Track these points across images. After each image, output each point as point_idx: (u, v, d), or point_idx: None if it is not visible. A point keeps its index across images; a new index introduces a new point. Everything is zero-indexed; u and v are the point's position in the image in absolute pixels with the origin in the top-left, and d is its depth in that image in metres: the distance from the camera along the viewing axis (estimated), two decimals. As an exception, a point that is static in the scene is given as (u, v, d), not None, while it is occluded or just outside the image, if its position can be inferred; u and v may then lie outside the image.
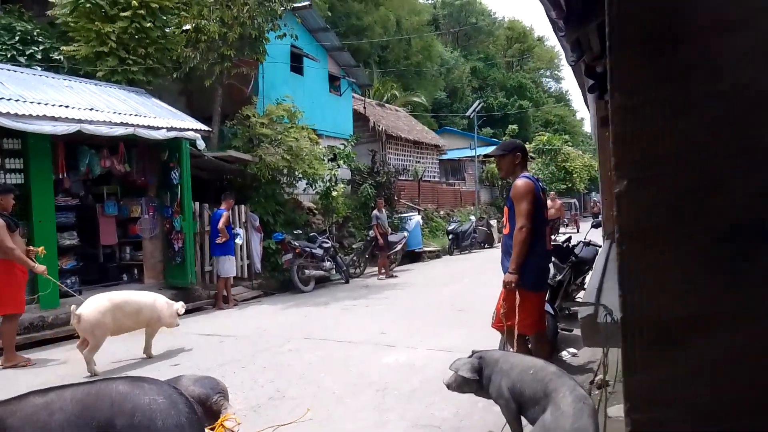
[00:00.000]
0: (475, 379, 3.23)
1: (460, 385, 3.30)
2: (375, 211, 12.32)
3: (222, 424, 3.50)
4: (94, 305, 5.25)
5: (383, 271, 11.97)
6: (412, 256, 14.89)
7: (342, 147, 13.91)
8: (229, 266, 9.19)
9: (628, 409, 0.86)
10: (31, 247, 6.11)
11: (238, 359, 5.57)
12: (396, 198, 16.32)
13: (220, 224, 9.04)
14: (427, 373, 4.70)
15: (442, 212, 20.40)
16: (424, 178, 20.22)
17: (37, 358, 5.93)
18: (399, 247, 13.19)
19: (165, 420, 2.20)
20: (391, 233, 13.41)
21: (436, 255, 16.00)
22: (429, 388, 4.29)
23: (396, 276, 11.82)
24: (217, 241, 9.15)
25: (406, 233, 14.04)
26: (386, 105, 23.39)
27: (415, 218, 15.44)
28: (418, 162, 20.93)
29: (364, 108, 18.65)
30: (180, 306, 5.94)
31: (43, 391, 2.39)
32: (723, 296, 0.80)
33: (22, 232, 6.37)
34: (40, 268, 5.88)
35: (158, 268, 9.29)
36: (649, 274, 0.83)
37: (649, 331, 0.83)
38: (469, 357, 3.32)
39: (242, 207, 10.49)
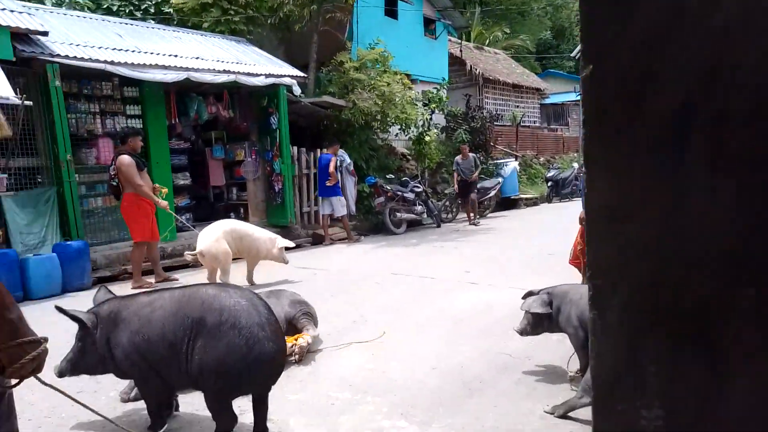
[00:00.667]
0: (548, 313, 3.27)
1: (533, 325, 3.35)
2: (457, 158, 11.95)
3: (296, 338, 3.84)
4: (209, 237, 5.84)
5: (470, 217, 11.81)
6: (508, 203, 14.66)
7: (435, 91, 13.73)
8: (341, 205, 9.66)
9: (590, 276, 0.92)
10: (157, 185, 6.77)
11: (328, 290, 5.95)
12: (492, 144, 15.96)
13: (331, 168, 9.46)
14: (504, 311, 4.75)
15: (541, 159, 19.67)
16: (522, 123, 19.52)
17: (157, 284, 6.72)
18: (492, 193, 13.02)
19: (248, 319, 2.50)
20: (485, 179, 13.25)
21: (533, 202, 15.61)
22: (505, 324, 4.36)
23: (478, 224, 11.53)
24: (327, 184, 9.60)
25: (500, 179, 13.79)
26: (484, 48, 22.55)
27: (512, 164, 15.06)
28: (517, 107, 20.18)
29: (461, 51, 18.15)
30: (285, 242, 6.33)
31: (149, 292, 2.80)
32: (660, 174, 0.84)
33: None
34: (163, 203, 6.54)
35: (261, 208, 9.98)
36: (606, 153, 0.89)
37: (603, 208, 0.89)
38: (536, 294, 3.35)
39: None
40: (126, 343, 2.61)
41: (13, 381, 1.37)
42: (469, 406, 3.04)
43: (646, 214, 0.87)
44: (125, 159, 6.27)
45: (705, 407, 0.85)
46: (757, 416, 0.82)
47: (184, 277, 6.86)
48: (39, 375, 1.52)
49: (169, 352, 2.54)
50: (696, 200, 0.84)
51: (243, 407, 2.87)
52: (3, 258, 5.93)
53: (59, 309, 2.60)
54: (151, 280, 6.76)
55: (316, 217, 10.57)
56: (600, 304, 0.93)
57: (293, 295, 4.34)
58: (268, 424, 2.74)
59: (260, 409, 2.66)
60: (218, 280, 5.82)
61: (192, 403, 3.07)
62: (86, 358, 2.69)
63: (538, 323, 3.35)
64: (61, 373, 2.73)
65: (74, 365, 2.74)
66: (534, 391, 3.19)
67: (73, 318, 2.62)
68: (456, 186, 11.81)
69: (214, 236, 5.82)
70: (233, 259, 6.14)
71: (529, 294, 3.44)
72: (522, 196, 15.49)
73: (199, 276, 6.50)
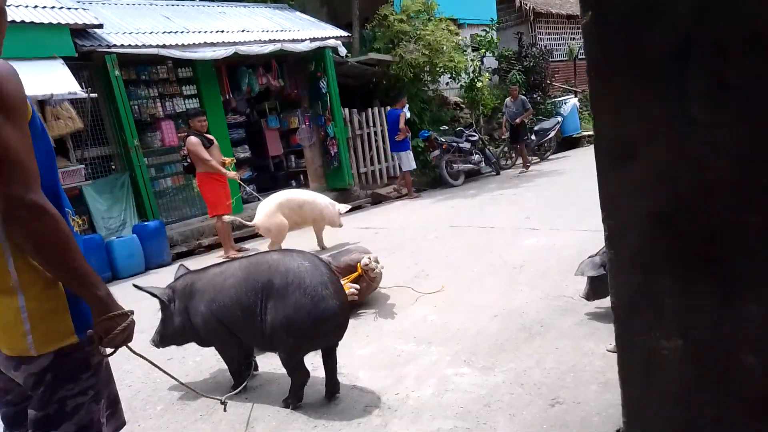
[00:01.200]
0: (603, 274, 3.21)
1: (593, 289, 3.30)
2: (507, 100, 11.43)
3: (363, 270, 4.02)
4: (262, 211, 6.06)
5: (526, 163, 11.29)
6: (570, 143, 14.14)
7: (484, 33, 13.25)
8: (408, 160, 9.72)
9: (604, 216, 0.93)
10: (225, 158, 7.02)
11: (389, 247, 6.09)
12: (549, 82, 15.32)
13: (401, 123, 9.51)
14: (565, 253, 4.71)
15: (603, 93, 18.64)
16: (581, 57, 18.52)
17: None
18: (552, 134, 12.59)
19: (312, 278, 2.66)
20: (543, 120, 12.81)
21: (596, 139, 14.95)
22: (565, 266, 4.33)
23: (529, 169, 10.97)
24: (396, 139, 9.67)
25: (560, 118, 13.28)
26: (535, -20, 21.31)
27: (572, 101, 14.43)
28: (573, 39, 19.11)
29: (509, -13, 17.27)
30: (342, 207, 6.46)
31: (219, 264, 3.02)
32: (663, 111, 0.83)
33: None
34: (232, 173, 6.78)
35: (319, 173, 10.20)
36: (611, 94, 0.88)
37: (610, 147, 0.89)
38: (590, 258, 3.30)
39: (386, 109, 10.79)
40: (204, 311, 2.86)
41: (109, 350, 1.55)
42: (530, 349, 3.10)
43: (653, 149, 0.88)
44: (192, 139, 6.56)
45: (719, 332, 0.87)
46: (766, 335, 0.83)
47: (256, 246, 7.20)
48: (130, 344, 1.69)
49: (243, 315, 2.76)
50: (699, 132, 0.84)
51: (315, 364, 3.07)
52: (91, 242, 6.46)
53: (137, 287, 2.88)
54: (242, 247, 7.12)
55: (374, 177, 10.69)
56: (614, 242, 0.95)
57: (357, 247, 4.52)
58: (339, 378, 2.93)
59: (330, 364, 2.85)
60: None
61: (271, 363, 3.31)
62: (169, 329, 2.99)
63: (598, 285, 3.30)
64: (155, 344, 3.07)
65: (162, 337, 3.07)
66: (596, 331, 3.20)
67: (150, 293, 2.90)
68: (502, 130, 11.41)
69: (267, 209, 6.00)
70: (298, 229, 6.39)
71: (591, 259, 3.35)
72: (584, 133, 14.86)
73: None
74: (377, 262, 4.13)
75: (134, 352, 1.79)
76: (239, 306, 2.77)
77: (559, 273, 4.26)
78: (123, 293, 3.52)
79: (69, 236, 1.35)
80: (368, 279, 4.02)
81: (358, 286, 3.98)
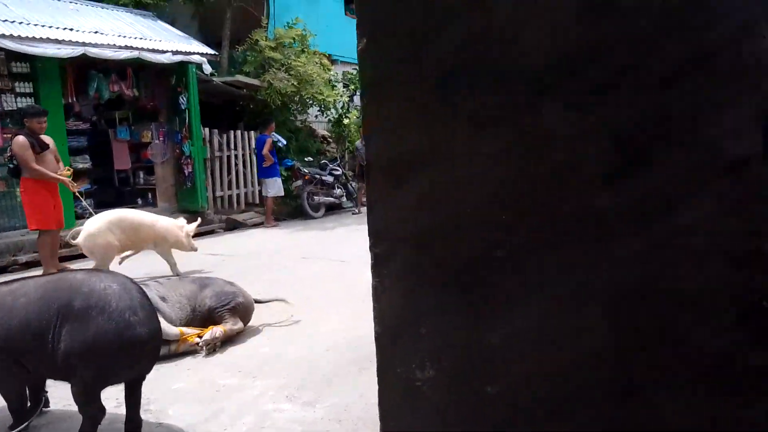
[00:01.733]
0: None
1: None
2: (357, 142, 11.18)
3: (203, 332, 3.68)
4: (88, 230, 5.40)
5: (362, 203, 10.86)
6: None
7: (354, 72, 13.64)
8: (272, 187, 9.70)
9: (371, 244, 0.92)
10: (62, 166, 6.21)
11: (234, 275, 5.75)
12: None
13: (265, 150, 9.50)
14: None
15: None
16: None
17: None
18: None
19: (119, 302, 2.38)
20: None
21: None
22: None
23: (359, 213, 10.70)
24: (264, 165, 9.67)
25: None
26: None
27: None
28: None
29: (384, 33, 18.14)
30: (191, 226, 5.99)
31: (10, 281, 2.61)
32: (438, 135, 0.86)
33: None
34: (66, 179, 5.96)
35: (170, 192, 9.56)
36: (382, 119, 0.89)
37: (383, 171, 0.89)
38: None
39: (251, 133, 10.56)
40: (-21, 337, 2.42)
41: None
42: (357, 383, 3.06)
43: (417, 176, 0.89)
44: (18, 140, 5.75)
45: (467, 362, 0.88)
46: (508, 357, 0.86)
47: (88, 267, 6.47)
48: None
49: (34, 340, 2.38)
50: (458, 164, 0.86)
51: (120, 399, 2.74)
52: None
53: None
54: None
55: (230, 202, 10.30)
56: (379, 269, 0.93)
57: (224, 285, 4.12)
58: (146, 414, 2.65)
59: (132, 398, 2.56)
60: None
61: (65, 398, 2.89)
62: None
63: None
64: None
65: None
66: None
67: None
68: (358, 170, 10.93)
69: (93, 228, 5.40)
70: (136, 252, 5.88)
71: None
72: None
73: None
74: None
75: None
76: (29, 331, 2.39)
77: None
78: None
79: None
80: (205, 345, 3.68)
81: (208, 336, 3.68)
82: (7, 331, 2.41)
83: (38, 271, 6.22)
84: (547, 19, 0.83)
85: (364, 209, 11.05)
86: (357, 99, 14.56)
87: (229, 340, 3.80)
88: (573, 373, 0.86)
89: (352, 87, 13.44)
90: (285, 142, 10.36)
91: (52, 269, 5.98)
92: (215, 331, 3.70)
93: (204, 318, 3.84)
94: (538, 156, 0.85)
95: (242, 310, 4.02)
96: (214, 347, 3.65)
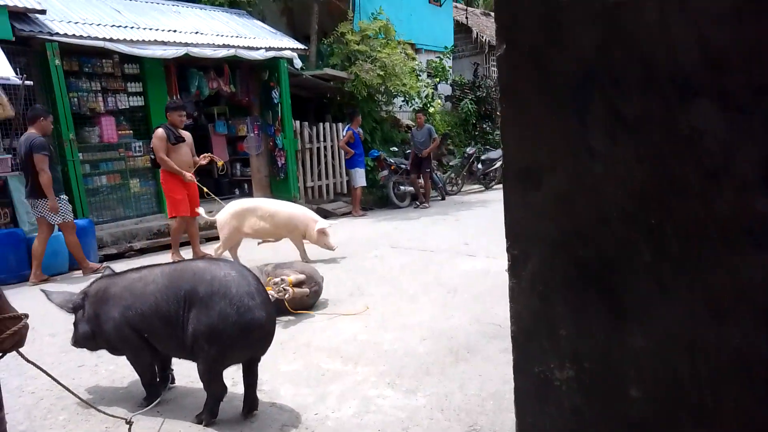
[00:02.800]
0: None
1: None
2: (413, 129, 10.71)
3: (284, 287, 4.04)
4: (225, 210, 5.97)
5: (420, 198, 10.47)
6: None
7: (438, 60, 13.53)
8: (357, 177, 9.94)
9: (508, 246, 0.94)
10: (209, 156, 6.65)
11: (327, 263, 6.02)
12: (498, 113, 15.78)
13: (341, 143, 9.86)
14: (499, 280, 4.78)
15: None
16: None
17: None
18: (498, 164, 12.90)
19: (238, 288, 2.58)
20: (490, 149, 13.18)
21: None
22: (498, 292, 4.40)
23: (428, 206, 10.23)
24: (345, 158, 10.08)
25: (506, 149, 13.67)
26: (492, 14, 22.07)
27: (518, 134, 14.90)
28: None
29: (466, 18, 17.81)
30: (324, 223, 6.09)
31: (138, 268, 2.88)
32: (576, 136, 0.86)
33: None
34: (189, 175, 6.36)
35: (264, 183, 10.03)
36: (519, 122, 0.90)
37: (519, 172, 0.91)
38: None
39: (339, 125, 10.81)
40: (117, 317, 2.71)
41: (-6, 354, 1.44)
42: (455, 373, 3.11)
43: (555, 177, 0.90)
44: (156, 131, 6.25)
45: (608, 363, 0.89)
46: (653, 361, 0.86)
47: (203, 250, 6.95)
48: (21, 350, 1.58)
49: (163, 323, 2.63)
50: (598, 164, 0.86)
51: (236, 379, 2.96)
52: (10, 237, 6.07)
53: (44, 291, 2.74)
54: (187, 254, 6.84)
55: (320, 192, 10.62)
56: (516, 270, 0.96)
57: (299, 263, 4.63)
58: (260, 394, 2.84)
59: (250, 379, 2.75)
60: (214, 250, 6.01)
61: (189, 376, 3.17)
62: (80, 334, 2.83)
63: None
64: (75, 345, 2.96)
65: (75, 340, 2.91)
66: (520, 359, 3.25)
67: (51, 301, 2.79)
68: (411, 160, 10.46)
69: (230, 210, 5.92)
70: (272, 240, 6.35)
71: None
72: (529, 165, 15.35)
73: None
74: (291, 287, 4.10)
75: (26, 359, 1.67)
76: (158, 314, 2.64)
77: (492, 299, 4.32)
78: (37, 293, 3.32)
79: None
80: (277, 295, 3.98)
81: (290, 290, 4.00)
82: (140, 316, 2.68)
83: (150, 257, 6.80)
84: (700, 18, 0.81)
85: (468, 196, 11.02)
86: (441, 88, 14.46)
87: (328, 328, 3.99)
88: (723, 380, 0.84)
89: (437, 79, 13.35)
90: (361, 132, 10.44)
91: (176, 255, 6.48)
92: (280, 276, 4.13)
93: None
94: (688, 157, 0.84)
95: (299, 268, 4.40)
96: (284, 291, 4.02)
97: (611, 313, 0.89)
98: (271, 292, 3.86)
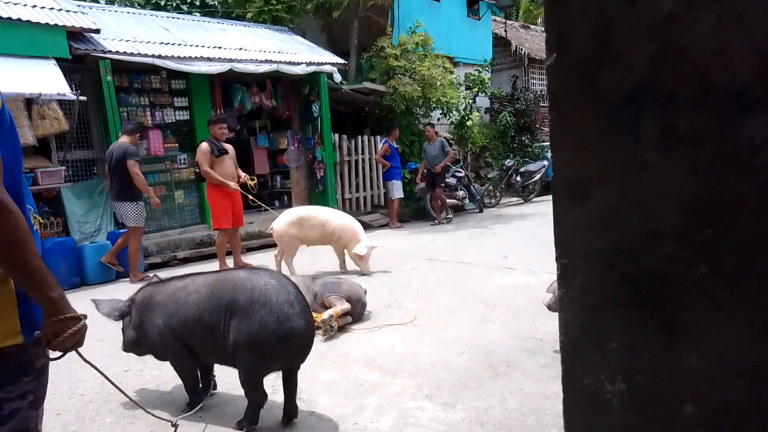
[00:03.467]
0: None
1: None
2: (425, 144, 10.16)
3: (319, 315, 4.03)
4: (282, 219, 6.14)
5: (437, 214, 10.07)
6: (553, 187, 14.32)
7: (477, 73, 13.51)
8: (394, 189, 10.02)
9: (557, 255, 0.94)
10: (243, 175, 6.65)
11: (365, 275, 6.05)
12: (538, 126, 15.62)
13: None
14: (538, 294, 4.70)
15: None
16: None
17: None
18: (537, 176, 12.76)
19: (278, 297, 2.63)
20: (529, 162, 13.04)
21: (580, 186, 15.19)
22: (537, 307, 4.32)
23: (449, 221, 10.01)
24: (382, 170, 10.34)
25: (546, 162, 13.47)
26: (531, 27, 21.95)
27: (558, 147, 14.67)
28: (566, 87, 19.58)
29: (505, 31, 17.75)
30: (362, 250, 6.02)
31: (182, 277, 2.97)
32: (627, 149, 0.87)
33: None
34: (234, 185, 6.41)
35: (303, 195, 10.19)
36: (568, 134, 0.90)
37: (566, 186, 0.91)
38: None
39: (377, 138, 10.90)
40: (161, 325, 2.80)
41: (55, 354, 1.50)
42: (494, 388, 3.07)
43: (605, 190, 0.90)
44: (201, 145, 6.42)
45: (661, 379, 0.87)
46: (709, 382, 0.84)
47: (259, 258, 7.10)
48: (80, 350, 1.64)
49: (205, 332, 2.70)
50: (650, 178, 0.86)
51: (275, 386, 3.01)
52: (62, 245, 6.33)
53: (93, 301, 2.86)
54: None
55: (358, 203, 10.71)
56: (565, 281, 0.95)
57: (331, 278, 4.63)
58: (298, 402, 2.87)
59: (290, 387, 2.79)
60: (283, 263, 6.15)
61: (230, 382, 3.23)
62: (127, 340, 2.95)
63: None
64: (123, 349, 3.10)
65: (124, 345, 3.04)
66: (560, 375, 3.18)
67: (98, 310, 2.92)
68: (420, 176, 10.22)
69: (287, 219, 6.10)
70: (319, 245, 6.42)
71: None
72: (569, 179, 15.08)
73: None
74: (337, 321, 4.12)
75: (83, 359, 1.73)
76: (201, 323, 2.71)
77: (531, 313, 4.26)
78: (85, 302, 3.45)
79: (26, 234, 1.31)
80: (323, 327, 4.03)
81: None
82: (181, 323, 2.76)
83: (193, 267, 6.97)
84: (756, 29, 0.80)
85: (506, 209, 11.00)
86: (479, 100, 14.42)
87: (366, 340, 4.00)
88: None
89: (475, 89, 13.33)
90: (396, 146, 10.44)
91: (224, 266, 6.61)
92: (329, 312, 4.06)
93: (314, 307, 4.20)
94: (744, 171, 0.82)
95: (346, 293, 4.35)
96: (331, 327, 4.03)
97: (663, 331, 0.87)
98: (319, 333, 3.88)
